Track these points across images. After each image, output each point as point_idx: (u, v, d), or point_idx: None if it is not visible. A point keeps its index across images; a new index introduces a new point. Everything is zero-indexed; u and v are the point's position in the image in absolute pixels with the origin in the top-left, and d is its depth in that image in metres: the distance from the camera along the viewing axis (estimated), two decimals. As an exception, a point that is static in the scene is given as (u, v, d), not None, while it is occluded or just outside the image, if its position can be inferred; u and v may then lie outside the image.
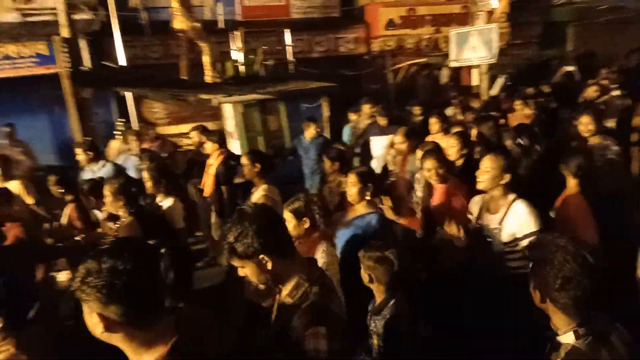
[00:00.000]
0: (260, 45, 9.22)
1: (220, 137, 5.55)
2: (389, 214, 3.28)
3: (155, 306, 1.31)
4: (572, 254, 1.52)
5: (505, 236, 2.69)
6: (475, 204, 2.98)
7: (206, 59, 8.30)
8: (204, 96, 7.41)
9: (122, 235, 3.20)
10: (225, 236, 1.66)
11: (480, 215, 2.89)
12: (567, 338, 1.56)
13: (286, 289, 1.70)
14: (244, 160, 3.93)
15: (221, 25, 9.10)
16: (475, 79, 10.03)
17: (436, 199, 3.43)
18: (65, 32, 6.60)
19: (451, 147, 4.05)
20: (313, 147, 6.30)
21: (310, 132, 6.42)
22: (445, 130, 5.09)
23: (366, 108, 6.85)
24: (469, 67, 10.13)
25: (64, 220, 4.31)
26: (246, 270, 1.67)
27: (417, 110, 7.38)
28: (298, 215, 2.64)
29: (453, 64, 9.74)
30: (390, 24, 11.39)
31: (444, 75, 11.39)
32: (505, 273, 2.66)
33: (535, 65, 11.53)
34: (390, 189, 4.10)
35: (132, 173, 6.03)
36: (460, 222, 2.88)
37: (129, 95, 8.01)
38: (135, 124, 7.91)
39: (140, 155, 5.98)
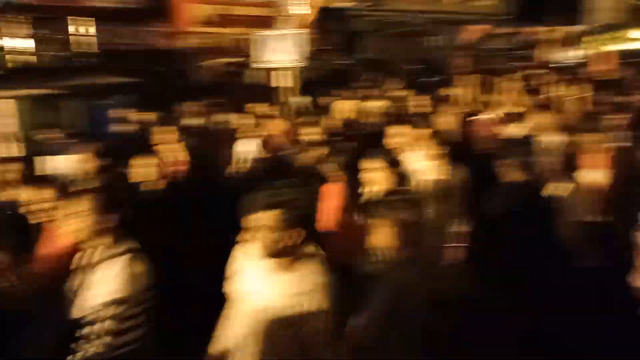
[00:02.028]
0: (48, 33, 8.15)
1: None
2: None
3: None
4: None
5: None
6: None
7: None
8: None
9: None
10: None
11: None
12: None
13: None
14: None
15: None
16: (278, 81, 10.52)
17: None
18: None
19: (150, 166, 3.28)
20: None
21: None
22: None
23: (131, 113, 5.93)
24: (280, 69, 10.58)
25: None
26: None
27: None
28: None
29: (264, 65, 10.06)
30: (201, 21, 11.23)
31: (256, 76, 11.68)
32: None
33: (338, 71, 12.65)
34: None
35: None
36: None
37: None
38: None
39: None
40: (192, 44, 11.19)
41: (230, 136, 5.12)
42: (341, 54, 13.36)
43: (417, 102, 6.41)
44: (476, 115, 5.59)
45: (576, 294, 3.16)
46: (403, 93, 7.76)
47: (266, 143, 4.65)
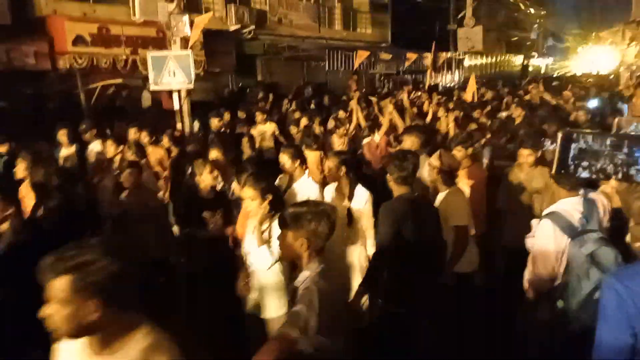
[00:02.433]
0: None
1: None
2: None
3: None
4: None
5: None
6: None
7: None
8: None
9: None
10: None
11: None
12: None
13: None
14: None
15: None
16: (176, 103, 10.13)
17: None
18: None
19: None
20: None
21: None
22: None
23: None
24: (170, 91, 10.15)
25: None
26: None
27: None
28: None
29: (153, 87, 9.59)
30: (79, 41, 10.41)
31: (145, 99, 11.11)
32: None
33: (233, 92, 12.56)
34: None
35: None
36: None
37: None
38: None
39: None
40: (72, 64, 10.30)
41: (108, 167, 4.71)
42: (234, 76, 13.31)
43: (310, 124, 6.56)
44: (366, 136, 5.88)
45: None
46: (296, 115, 7.92)
47: (149, 172, 4.38)
